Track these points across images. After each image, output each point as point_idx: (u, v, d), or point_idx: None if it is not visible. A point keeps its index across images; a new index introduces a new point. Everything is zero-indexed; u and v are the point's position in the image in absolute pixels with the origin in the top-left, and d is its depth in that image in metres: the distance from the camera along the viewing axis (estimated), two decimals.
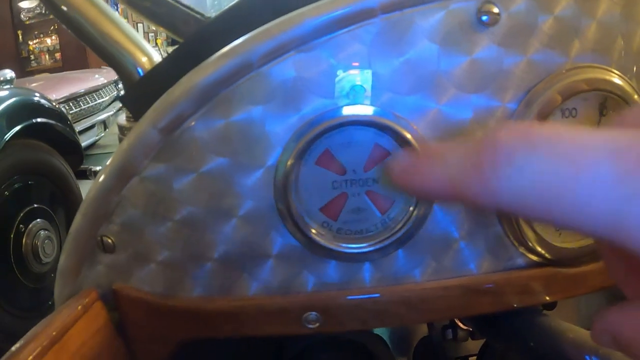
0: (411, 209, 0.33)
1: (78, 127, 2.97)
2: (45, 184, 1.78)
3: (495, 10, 0.32)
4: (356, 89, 0.31)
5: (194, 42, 0.36)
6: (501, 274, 0.36)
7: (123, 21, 0.39)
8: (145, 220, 0.33)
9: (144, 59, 0.39)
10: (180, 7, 0.38)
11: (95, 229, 0.34)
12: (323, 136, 0.31)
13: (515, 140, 0.14)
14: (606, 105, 0.35)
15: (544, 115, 0.33)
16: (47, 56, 6.91)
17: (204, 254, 0.33)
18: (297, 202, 0.32)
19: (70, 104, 3.42)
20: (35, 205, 1.73)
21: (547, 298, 0.37)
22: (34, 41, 6.89)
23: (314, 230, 0.33)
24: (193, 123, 0.31)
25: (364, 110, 0.31)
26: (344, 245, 0.33)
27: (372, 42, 0.30)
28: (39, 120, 1.79)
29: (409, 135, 0.31)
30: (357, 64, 0.31)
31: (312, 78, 0.31)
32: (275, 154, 0.31)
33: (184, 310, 0.35)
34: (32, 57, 6.88)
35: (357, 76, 0.31)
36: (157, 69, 0.37)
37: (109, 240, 0.34)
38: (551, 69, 0.34)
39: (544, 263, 0.36)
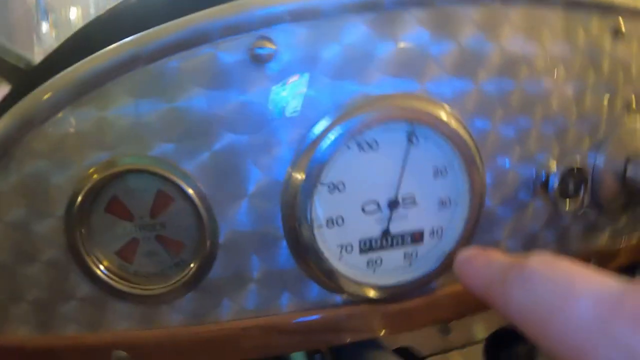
0: (198, 251, 0.33)
1: None
2: None
3: (270, 47, 0.31)
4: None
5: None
6: (311, 312, 0.35)
7: None
8: None
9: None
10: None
11: None
12: (106, 186, 0.32)
13: (534, 269, 0.18)
14: (415, 133, 0.34)
15: (334, 150, 0.32)
16: None
17: (21, 295, 0.35)
18: (90, 248, 0.33)
19: None
20: None
21: (372, 335, 0.36)
22: None
23: (111, 273, 0.34)
24: None
25: (139, 159, 0.32)
26: (141, 287, 0.34)
27: (138, 91, 0.31)
28: None
29: (184, 184, 0.32)
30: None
31: (87, 132, 0.32)
32: (63, 205, 0.33)
33: (12, 347, 0.37)
34: None
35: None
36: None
37: None
38: (340, 100, 0.33)
39: (359, 300, 0.35)
